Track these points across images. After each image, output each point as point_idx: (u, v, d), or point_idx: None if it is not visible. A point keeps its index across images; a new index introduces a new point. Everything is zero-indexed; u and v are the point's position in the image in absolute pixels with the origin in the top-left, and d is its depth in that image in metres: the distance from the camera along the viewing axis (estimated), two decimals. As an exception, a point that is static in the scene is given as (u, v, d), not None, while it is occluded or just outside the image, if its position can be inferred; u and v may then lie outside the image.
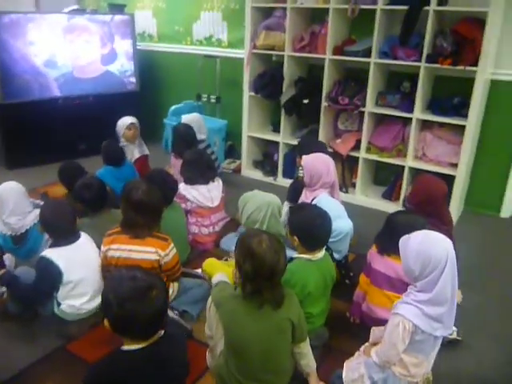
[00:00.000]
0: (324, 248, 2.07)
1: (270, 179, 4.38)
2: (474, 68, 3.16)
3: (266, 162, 4.52)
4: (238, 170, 4.62)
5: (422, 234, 1.64)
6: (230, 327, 1.66)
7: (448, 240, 1.62)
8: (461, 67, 3.19)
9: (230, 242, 2.95)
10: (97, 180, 2.71)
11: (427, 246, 1.59)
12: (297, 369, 1.85)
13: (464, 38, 3.21)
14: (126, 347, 1.45)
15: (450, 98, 3.47)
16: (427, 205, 2.44)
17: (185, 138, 3.61)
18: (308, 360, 1.83)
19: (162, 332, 1.49)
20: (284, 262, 1.61)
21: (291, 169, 4.20)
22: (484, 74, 3.18)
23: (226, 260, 2.73)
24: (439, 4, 3.21)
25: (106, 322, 1.43)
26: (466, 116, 3.29)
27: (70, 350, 2.15)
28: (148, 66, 5.31)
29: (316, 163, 2.89)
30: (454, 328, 2.16)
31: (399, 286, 2.08)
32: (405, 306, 1.66)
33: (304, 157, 2.96)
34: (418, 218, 2.13)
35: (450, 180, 3.29)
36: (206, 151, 3.52)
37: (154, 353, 1.45)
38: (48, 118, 4.44)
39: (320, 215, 2.04)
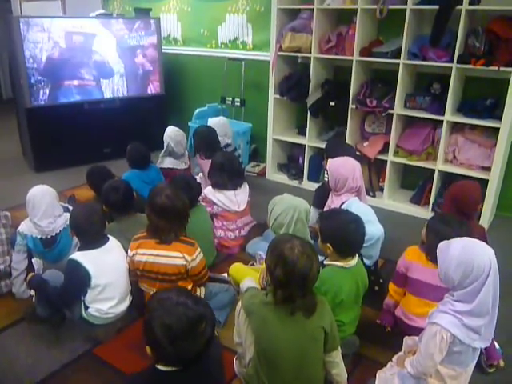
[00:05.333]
0: (357, 255, 2.02)
1: (295, 183, 4.33)
2: (508, 69, 3.05)
3: (291, 166, 4.47)
4: (261, 174, 4.58)
5: (464, 242, 1.57)
6: (261, 335, 1.62)
7: (491, 249, 1.54)
8: (494, 68, 3.08)
9: (255, 246, 2.92)
10: (123, 183, 2.70)
11: (469, 254, 1.52)
12: (327, 378, 1.79)
13: (498, 38, 3.10)
14: (163, 368, 1.34)
15: (483, 100, 3.35)
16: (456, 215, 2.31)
17: (206, 140, 3.59)
18: (339, 369, 1.77)
19: None
20: (317, 269, 1.56)
21: (317, 172, 4.16)
22: (520, 74, 3.07)
23: (253, 265, 2.69)
24: (471, 3, 3.12)
25: (148, 350, 1.33)
26: (499, 118, 3.18)
27: (97, 353, 2.15)
28: (173, 69, 5.33)
29: (341, 168, 2.83)
30: (498, 347, 2.07)
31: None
32: (442, 316, 1.60)
33: (329, 161, 2.90)
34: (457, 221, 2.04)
35: (481, 184, 3.17)
36: (236, 156, 3.47)
37: (192, 372, 1.36)
38: (74, 121, 4.48)
39: (354, 220, 1.98)
